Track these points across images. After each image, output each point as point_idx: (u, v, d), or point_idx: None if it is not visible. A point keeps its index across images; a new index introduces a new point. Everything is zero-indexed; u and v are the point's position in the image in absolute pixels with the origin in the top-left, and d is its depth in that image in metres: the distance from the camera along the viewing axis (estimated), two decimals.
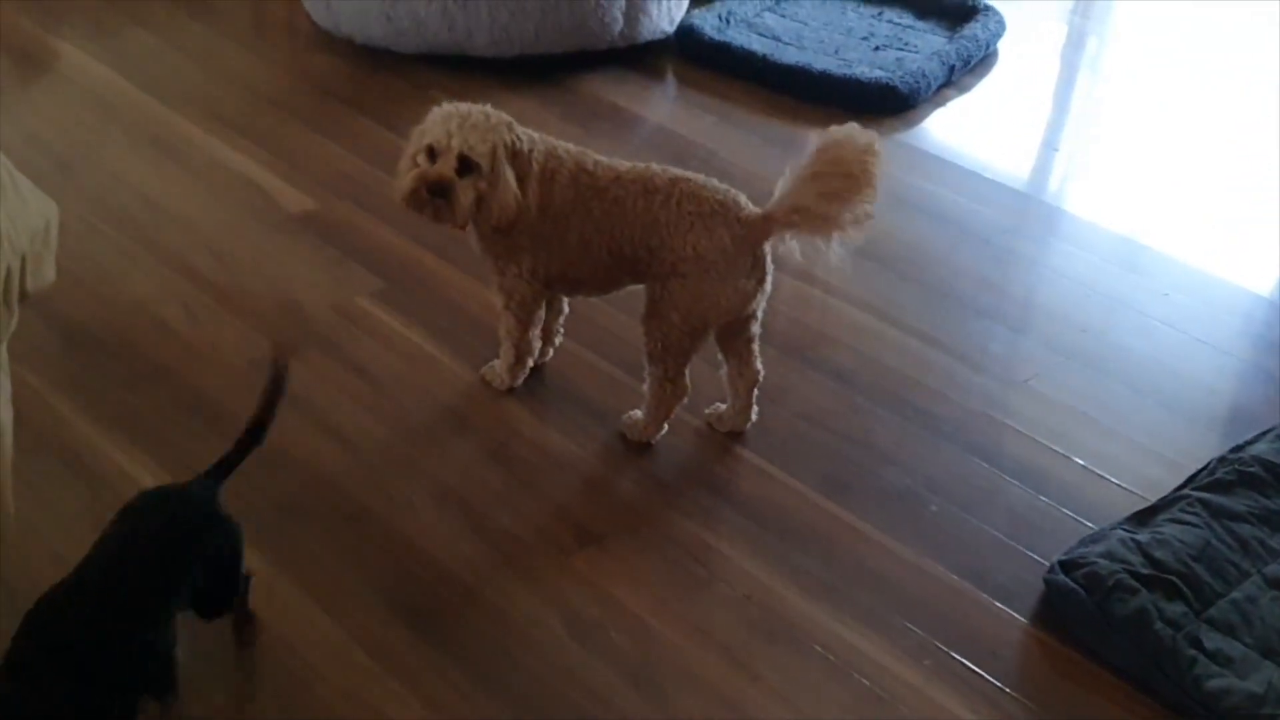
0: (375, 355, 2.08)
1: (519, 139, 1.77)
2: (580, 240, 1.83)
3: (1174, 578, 1.65)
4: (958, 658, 1.59)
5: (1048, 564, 1.70)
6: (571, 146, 1.87)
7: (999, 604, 1.68)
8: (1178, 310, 2.43)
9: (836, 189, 1.73)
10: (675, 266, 1.78)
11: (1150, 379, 2.22)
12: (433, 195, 1.73)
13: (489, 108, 1.77)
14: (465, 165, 1.71)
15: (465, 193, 1.72)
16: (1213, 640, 1.59)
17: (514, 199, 1.74)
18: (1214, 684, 1.53)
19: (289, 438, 1.75)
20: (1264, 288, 2.61)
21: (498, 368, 2.02)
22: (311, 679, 1.49)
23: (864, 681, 1.55)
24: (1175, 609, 1.61)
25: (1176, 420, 2.12)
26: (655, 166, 1.85)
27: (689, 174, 1.84)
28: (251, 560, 1.46)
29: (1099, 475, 1.94)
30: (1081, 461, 1.96)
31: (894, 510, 1.85)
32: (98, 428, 1.85)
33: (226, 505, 1.39)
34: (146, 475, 1.73)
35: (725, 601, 1.67)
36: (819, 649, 1.59)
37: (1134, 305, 2.44)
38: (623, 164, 1.86)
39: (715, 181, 1.84)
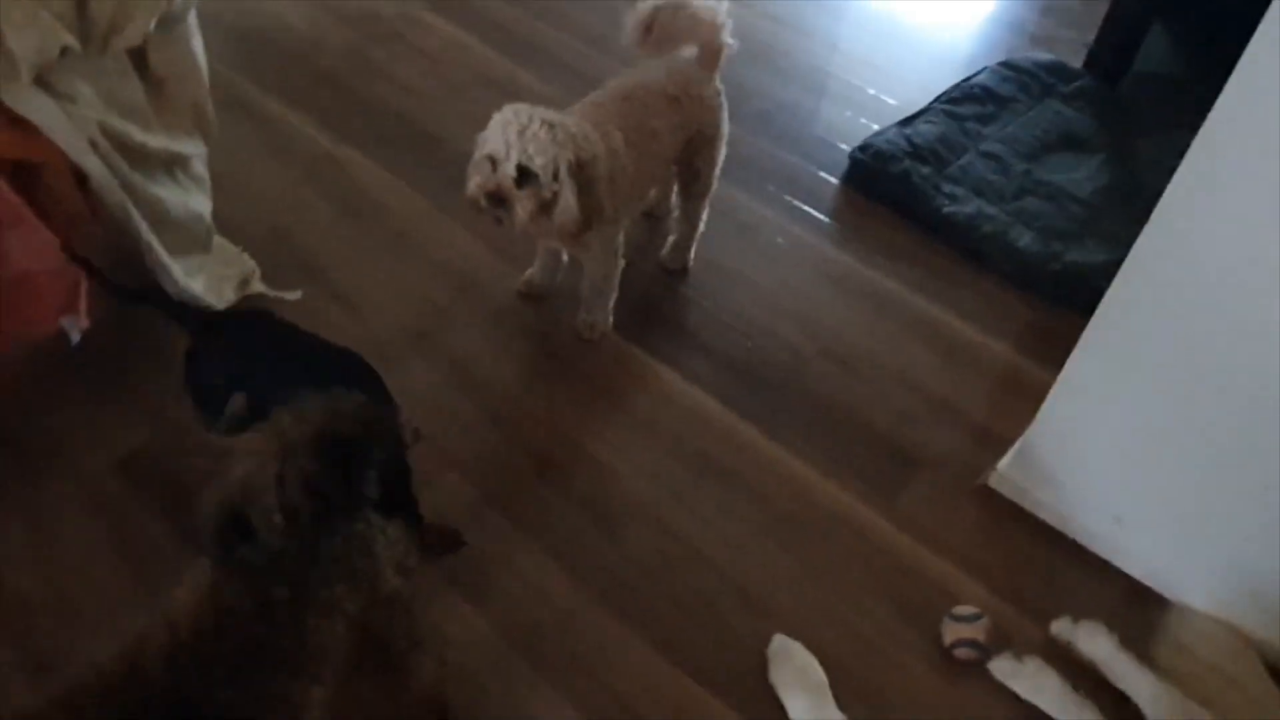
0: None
1: (582, 149, 1.70)
2: (647, 172, 1.95)
3: (925, 152, 2.53)
4: (798, 204, 2.47)
5: (850, 148, 2.57)
6: (602, 104, 1.87)
7: (823, 173, 2.57)
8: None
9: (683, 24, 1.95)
10: (710, 130, 2.05)
11: (917, 39, 3.13)
12: (492, 204, 1.69)
13: (554, 115, 1.70)
14: (524, 175, 1.66)
15: (523, 203, 1.67)
16: (947, 186, 2.47)
17: (574, 216, 1.72)
18: (947, 209, 2.42)
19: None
20: None
21: (598, 318, 2.04)
22: None
23: (742, 219, 2.42)
24: (926, 169, 2.50)
25: (932, 62, 3.00)
26: (638, 76, 1.95)
27: (659, 65, 1.97)
28: None
29: (882, 99, 2.83)
30: (872, 91, 2.86)
31: (761, 120, 2.67)
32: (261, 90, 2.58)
33: None
34: (307, 125, 2.48)
35: None
36: (725, 210, 2.37)
37: None
38: (625, 85, 1.93)
39: (671, 60, 2.00)
